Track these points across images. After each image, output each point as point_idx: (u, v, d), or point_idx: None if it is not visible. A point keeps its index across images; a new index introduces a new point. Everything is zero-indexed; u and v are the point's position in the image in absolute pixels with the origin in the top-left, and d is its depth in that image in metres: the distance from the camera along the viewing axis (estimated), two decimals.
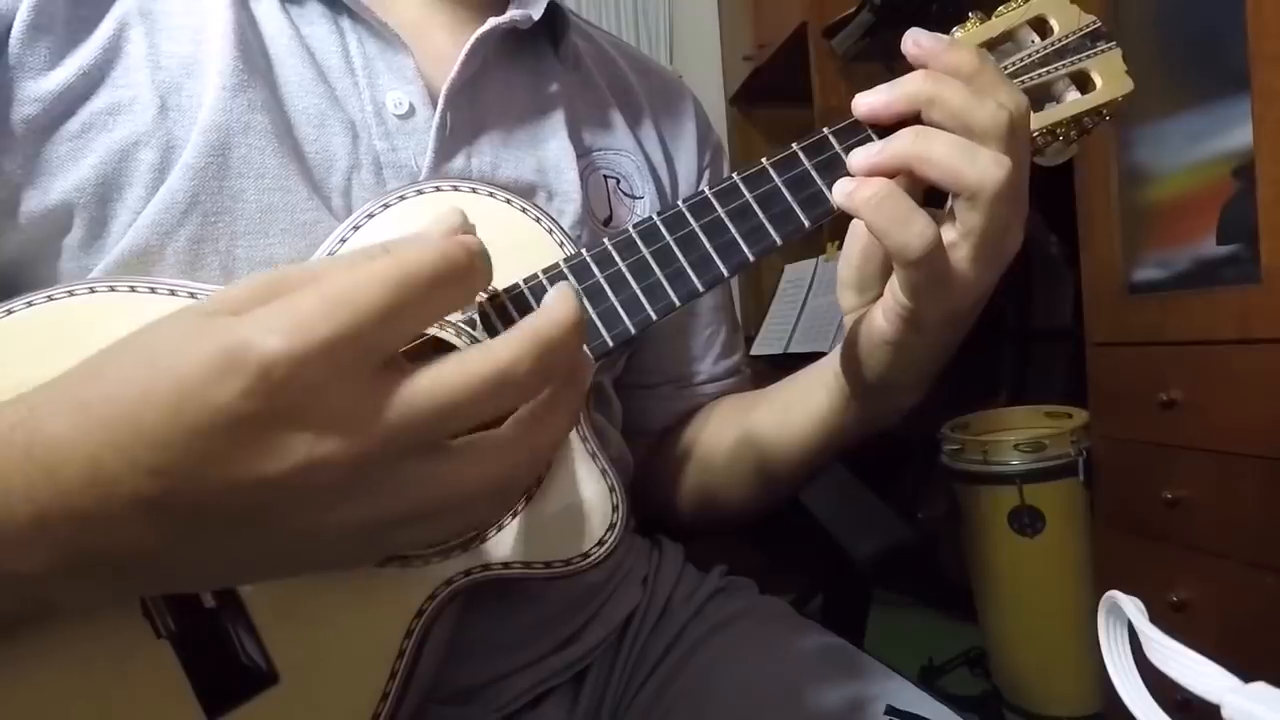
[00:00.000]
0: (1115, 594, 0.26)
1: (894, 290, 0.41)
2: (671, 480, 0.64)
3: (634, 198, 0.59)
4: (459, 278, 0.27)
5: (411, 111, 0.49)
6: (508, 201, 0.44)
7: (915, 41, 0.39)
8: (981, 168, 0.37)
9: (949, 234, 0.39)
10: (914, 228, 0.37)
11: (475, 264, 0.28)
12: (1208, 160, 1.17)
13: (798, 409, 0.55)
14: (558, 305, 0.29)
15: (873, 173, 0.39)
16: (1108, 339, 1.29)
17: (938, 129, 0.38)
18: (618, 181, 0.58)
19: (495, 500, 0.31)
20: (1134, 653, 0.26)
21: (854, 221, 0.42)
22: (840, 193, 0.39)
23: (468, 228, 0.31)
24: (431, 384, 0.26)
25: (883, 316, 0.43)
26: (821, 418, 0.53)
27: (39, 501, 0.26)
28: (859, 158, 0.40)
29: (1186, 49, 1.22)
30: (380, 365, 0.26)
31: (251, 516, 0.26)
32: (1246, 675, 0.23)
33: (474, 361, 0.27)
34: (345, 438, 0.25)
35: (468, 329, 0.41)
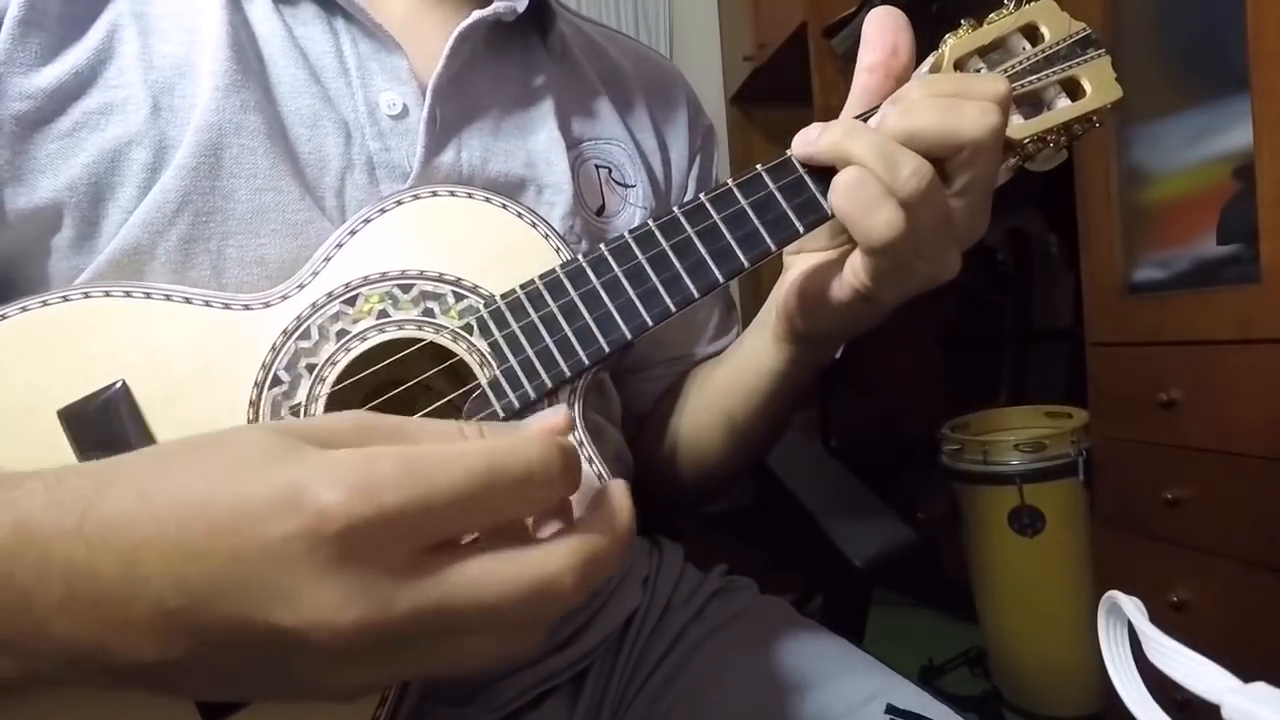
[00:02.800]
0: (1115, 594, 0.26)
1: (855, 269, 0.42)
2: (663, 447, 0.64)
3: (626, 186, 0.59)
4: (548, 483, 0.27)
5: (405, 112, 0.49)
6: (504, 207, 0.44)
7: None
8: (969, 116, 0.38)
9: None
10: (880, 216, 0.38)
11: (568, 473, 0.28)
12: (1208, 160, 1.17)
13: (742, 354, 0.57)
14: (615, 517, 0.29)
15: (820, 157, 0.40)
16: (1107, 339, 1.29)
17: (922, 99, 0.39)
18: (609, 171, 0.58)
19: (513, 661, 0.31)
20: (1134, 653, 0.26)
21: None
22: (800, 148, 0.41)
23: (569, 428, 0.31)
24: (477, 579, 0.26)
25: (838, 288, 0.43)
26: (758, 360, 0.54)
27: (72, 581, 0.26)
28: (819, 144, 0.41)
29: (1186, 49, 1.22)
30: (435, 544, 0.26)
31: (255, 657, 0.26)
32: (1246, 675, 0.23)
33: (525, 570, 0.26)
34: (373, 610, 0.25)
35: (465, 335, 0.41)
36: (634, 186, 0.59)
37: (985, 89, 0.39)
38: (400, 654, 0.27)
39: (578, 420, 0.43)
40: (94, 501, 0.26)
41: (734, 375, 0.57)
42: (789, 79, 2.18)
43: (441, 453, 0.25)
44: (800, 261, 0.48)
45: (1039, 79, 0.44)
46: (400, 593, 0.25)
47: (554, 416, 0.30)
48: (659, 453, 0.63)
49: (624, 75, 0.63)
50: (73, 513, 0.26)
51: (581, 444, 0.43)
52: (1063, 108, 0.45)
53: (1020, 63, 0.44)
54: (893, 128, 0.39)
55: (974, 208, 0.42)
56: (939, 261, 0.41)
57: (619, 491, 0.30)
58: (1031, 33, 0.45)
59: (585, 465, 0.43)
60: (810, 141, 0.41)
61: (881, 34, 0.42)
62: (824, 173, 0.42)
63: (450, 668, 0.28)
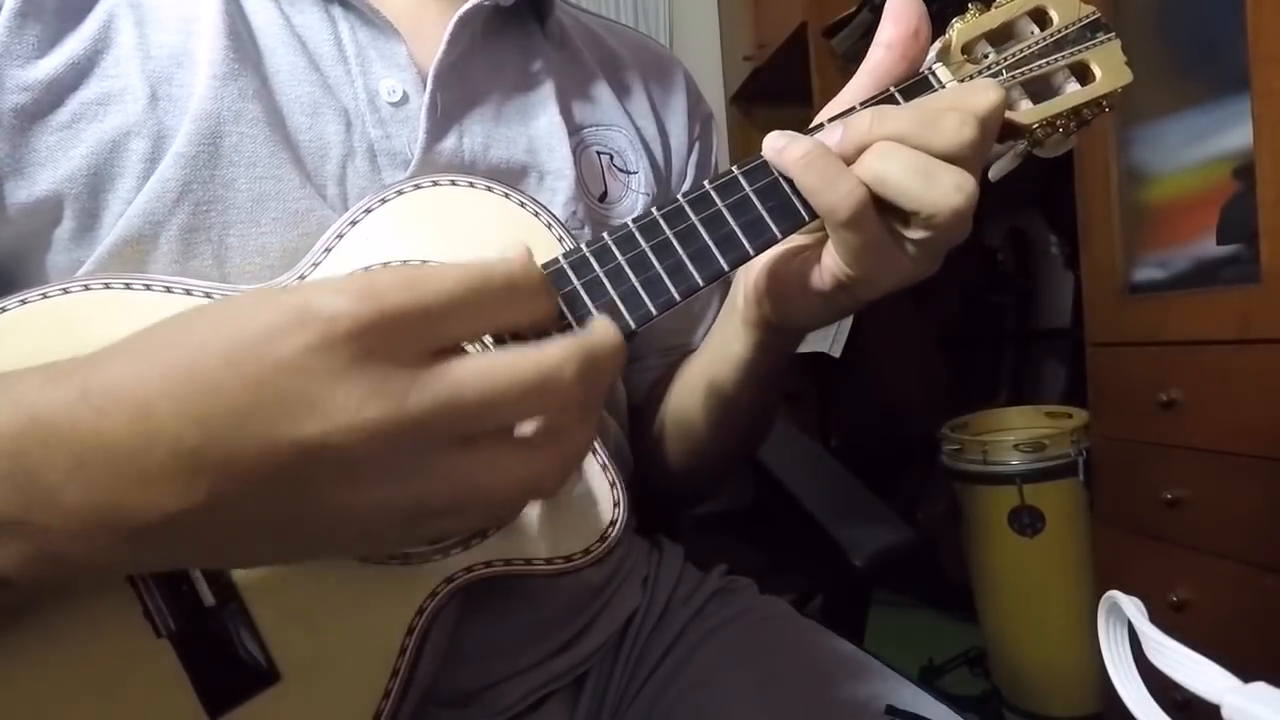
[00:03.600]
0: (1115, 594, 0.26)
1: (832, 255, 0.41)
2: (653, 438, 0.63)
3: (628, 173, 0.59)
4: (532, 292, 0.29)
5: (405, 99, 0.49)
6: (506, 196, 0.44)
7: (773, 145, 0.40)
8: (941, 190, 0.37)
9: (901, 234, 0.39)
10: (842, 188, 0.37)
11: (543, 286, 0.30)
12: (1208, 160, 1.17)
13: (714, 341, 0.56)
14: (603, 326, 0.30)
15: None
16: (1108, 339, 1.29)
17: (898, 148, 0.38)
18: (611, 157, 0.58)
19: (520, 503, 0.31)
20: (1134, 653, 0.26)
21: None
22: (770, 149, 0.40)
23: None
24: (483, 369, 0.27)
25: (818, 276, 0.43)
26: (727, 347, 0.53)
27: (82, 444, 0.26)
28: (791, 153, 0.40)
29: (1186, 49, 1.22)
30: (439, 349, 0.27)
31: (279, 485, 0.26)
32: (1246, 675, 0.23)
33: (525, 358, 0.28)
34: (389, 405, 0.25)
35: None
36: (635, 173, 0.59)
37: (967, 101, 0.38)
38: (422, 463, 0.27)
39: None
40: (92, 373, 0.27)
41: (707, 364, 0.56)
42: (789, 79, 2.18)
43: (431, 267, 0.27)
44: (774, 255, 0.47)
45: (1048, 63, 0.44)
46: (414, 386, 0.26)
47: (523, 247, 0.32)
48: (650, 443, 0.63)
49: (623, 62, 0.63)
50: (72, 387, 0.26)
51: (594, 449, 0.43)
52: (1072, 92, 0.44)
53: (1029, 47, 0.44)
54: (865, 130, 0.38)
55: (968, 214, 0.40)
56: (924, 263, 0.41)
57: (605, 318, 0.32)
58: (1040, 16, 0.44)
59: (590, 456, 0.43)
60: (779, 149, 0.40)
61: (906, 13, 0.41)
62: None
63: (466, 500, 0.28)
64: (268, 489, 0.26)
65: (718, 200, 0.41)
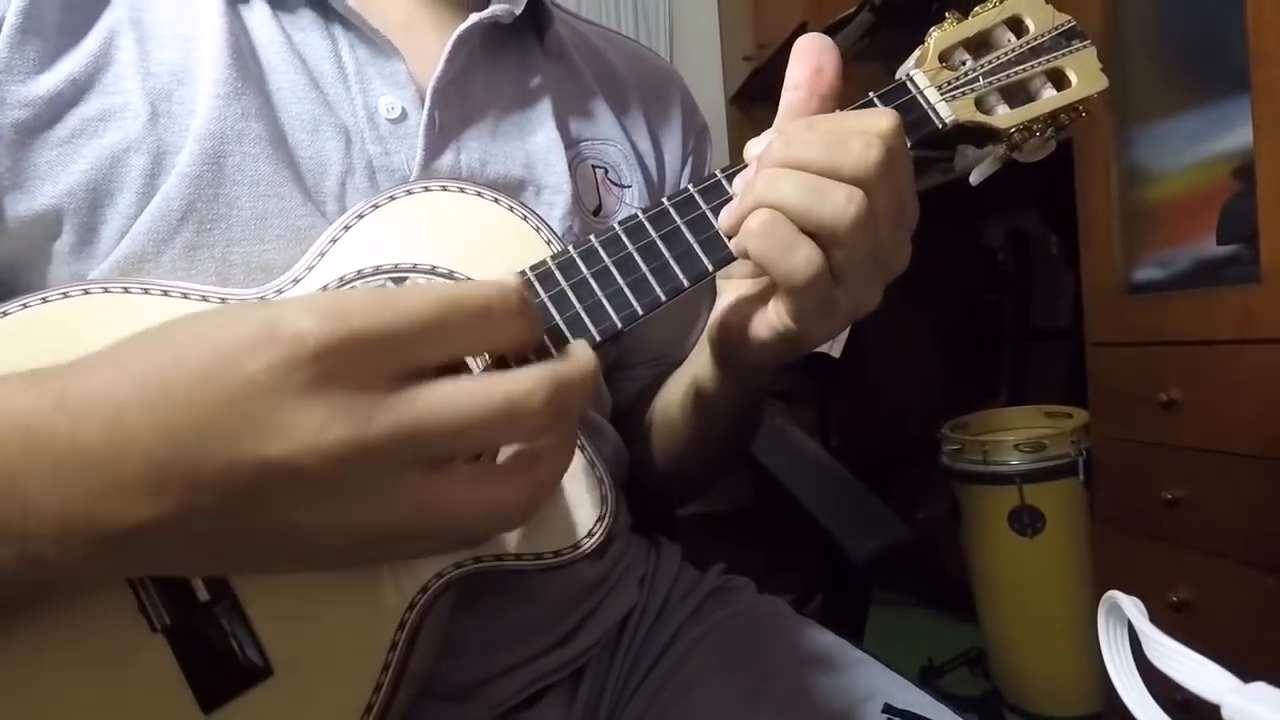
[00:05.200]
0: (1115, 594, 0.26)
1: (778, 310, 0.41)
2: (638, 446, 0.64)
3: (622, 187, 0.59)
4: (508, 316, 0.29)
5: (404, 116, 0.49)
6: (495, 200, 0.45)
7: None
8: (833, 205, 0.37)
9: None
10: (799, 254, 0.37)
11: (525, 311, 0.29)
12: (1208, 160, 1.17)
13: (689, 366, 0.57)
14: (577, 351, 0.30)
15: (739, 224, 0.39)
16: (1108, 339, 1.29)
17: (788, 169, 0.38)
18: (606, 171, 0.59)
19: (487, 529, 0.31)
20: (1134, 653, 0.26)
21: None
22: (725, 222, 0.40)
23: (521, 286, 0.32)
24: (448, 397, 0.27)
25: (761, 325, 0.43)
26: (699, 373, 0.54)
27: (58, 456, 0.26)
28: (724, 220, 0.41)
29: (1186, 49, 1.22)
30: (407, 372, 0.27)
31: (243, 501, 0.26)
32: (1246, 675, 0.23)
33: (493, 385, 0.27)
34: (351, 429, 0.25)
35: None
36: (630, 187, 0.59)
37: (870, 123, 0.38)
38: (385, 487, 0.27)
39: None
40: (70, 381, 0.27)
41: (687, 384, 0.57)
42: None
43: (407, 288, 0.28)
44: (729, 289, 0.48)
45: (1024, 69, 0.45)
46: (378, 410, 0.26)
47: (514, 276, 0.32)
48: (636, 449, 0.63)
49: (620, 77, 0.63)
50: (51, 393, 0.27)
51: (582, 446, 0.43)
52: (1048, 98, 0.45)
53: (1005, 54, 0.45)
54: (776, 157, 0.38)
55: (894, 239, 0.40)
56: (863, 296, 0.41)
57: (578, 344, 0.32)
58: (1016, 25, 0.46)
59: (578, 452, 0.43)
60: (730, 212, 0.40)
61: (807, 54, 0.42)
62: None
63: (431, 524, 0.28)
64: (232, 504, 0.26)
65: (702, 204, 0.42)
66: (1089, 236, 1.31)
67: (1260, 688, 0.22)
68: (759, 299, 0.44)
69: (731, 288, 0.47)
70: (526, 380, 0.28)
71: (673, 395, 0.59)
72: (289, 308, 0.26)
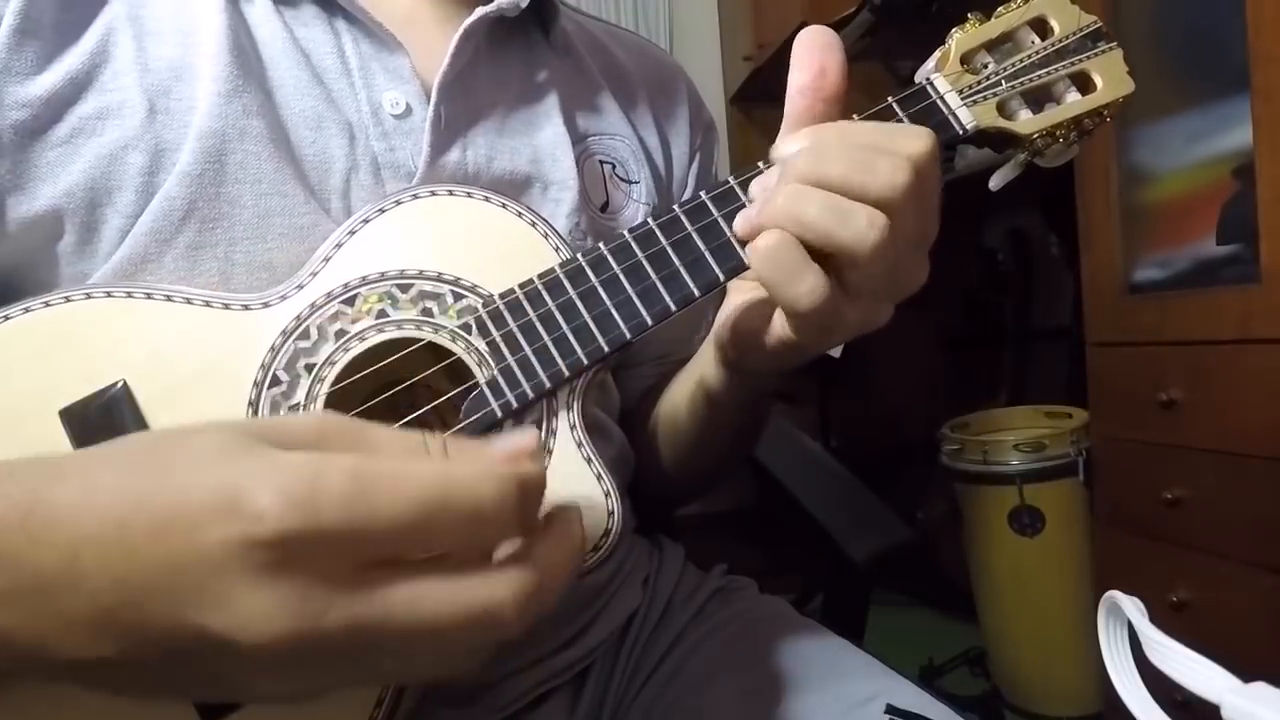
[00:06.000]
0: (1115, 594, 0.27)
1: (782, 323, 0.41)
2: (642, 445, 0.63)
3: (629, 182, 0.59)
4: (498, 523, 0.26)
5: (409, 111, 0.49)
6: (503, 206, 0.44)
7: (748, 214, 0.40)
8: (855, 229, 0.36)
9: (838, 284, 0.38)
10: (804, 284, 0.37)
11: (523, 513, 0.27)
12: (1208, 160, 1.17)
13: (693, 367, 0.57)
14: (565, 540, 0.28)
15: (755, 235, 0.39)
16: (1108, 339, 1.29)
17: (813, 187, 0.37)
18: (613, 167, 0.58)
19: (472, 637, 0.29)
20: (1134, 653, 0.26)
21: None
22: (742, 227, 0.40)
23: (536, 454, 0.29)
24: (415, 598, 0.25)
25: (767, 333, 0.43)
26: (703, 375, 0.54)
27: (12, 572, 0.25)
28: (740, 225, 0.40)
29: (1186, 49, 1.22)
30: (372, 564, 0.25)
31: (185, 659, 0.26)
32: (1246, 675, 0.23)
33: (466, 591, 0.26)
34: (300, 622, 0.24)
35: (463, 334, 0.41)
36: (637, 183, 0.59)
37: (902, 145, 0.37)
38: (336, 663, 0.26)
39: (577, 420, 0.43)
40: (41, 496, 0.26)
41: (692, 386, 0.57)
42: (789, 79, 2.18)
43: (393, 474, 0.25)
44: (739, 289, 0.48)
45: (1048, 73, 0.44)
46: (334, 606, 0.24)
47: (522, 439, 0.28)
48: (640, 447, 0.63)
49: (626, 71, 0.63)
50: (19, 506, 0.26)
51: (580, 444, 0.43)
52: (1072, 102, 0.44)
53: (1029, 56, 0.44)
54: (802, 172, 0.38)
55: (913, 260, 0.40)
56: (873, 313, 0.40)
57: (573, 520, 0.29)
58: (1040, 26, 0.44)
59: (584, 466, 0.43)
60: (747, 219, 0.40)
61: (809, 54, 0.41)
62: None
63: (387, 680, 0.28)
64: (175, 658, 0.26)
65: (714, 210, 0.42)
66: (1089, 236, 1.31)
67: (1260, 688, 0.22)
68: (767, 304, 0.43)
69: (742, 289, 0.47)
70: (500, 589, 0.26)
71: (678, 395, 0.59)
72: (259, 477, 0.24)
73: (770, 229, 0.38)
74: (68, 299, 0.39)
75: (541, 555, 0.28)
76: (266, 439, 0.26)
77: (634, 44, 0.67)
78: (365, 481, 0.24)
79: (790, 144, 0.40)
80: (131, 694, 0.30)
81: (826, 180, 0.37)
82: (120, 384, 0.38)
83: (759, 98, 2.54)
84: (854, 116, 0.42)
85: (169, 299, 0.40)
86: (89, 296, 0.39)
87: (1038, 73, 0.44)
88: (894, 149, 0.37)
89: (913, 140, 0.38)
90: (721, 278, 0.41)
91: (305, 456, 0.25)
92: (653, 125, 0.63)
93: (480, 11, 0.51)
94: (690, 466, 0.62)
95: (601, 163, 0.58)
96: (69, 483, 0.26)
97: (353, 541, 0.24)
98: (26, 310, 0.38)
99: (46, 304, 0.38)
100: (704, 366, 0.53)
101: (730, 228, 0.41)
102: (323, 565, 0.24)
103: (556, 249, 0.43)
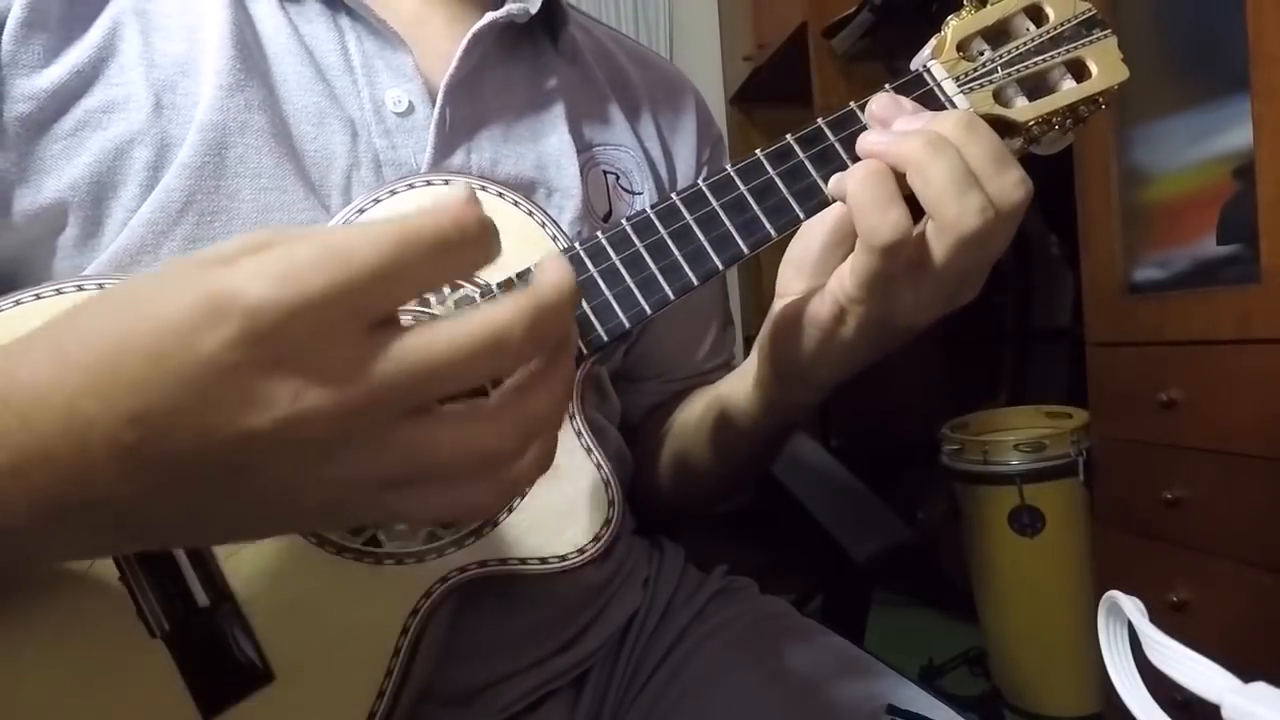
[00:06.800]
0: (1115, 594, 0.26)
1: (842, 277, 0.41)
2: (647, 463, 0.64)
3: (633, 193, 0.59)
4: (464, 244, 0.26)
5: (411, 109, 0.49)
6: (500, 195, 0.44)
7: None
8: (964, 207, 0.37)
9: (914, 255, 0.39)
10: (891, 214, 0.37)
11: (483, 234, 0.26)
12: (1208, 160, 1.17)
13: (721, 394, 0.57)
14: (551, 271, 0.27)
15: (873, 155, 0.40)
16: (1108, 339, 1.29)
17: (954, 148, 0.38)
18: (617, 177, 0.58)
19: (483, 475, 0.29)
20: (1134, 653, 0.26)
21: (832, 205, 0.43)
22: (865, 144, 0.40)
23: (478, 201, 0.29)
24: (425, 342, 0.25)
25: (820, 301, 0.43)
26: (734, 404, 0.54)
27: (15, 449, 0.25)
28: (870, 139, 0.40)
29: (1186, 48, 1.22)
30: (373, 322, 0.25)
31: (229, 472, 0.25)
32: (1246, 675, 0.23)
33: (468, 322, 0.26)
34: (331, 390, 0.24)
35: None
36: (641, 194, 0.59)
37: (1022, 173, 0.39)
38: (372, 440, 0.26)
39: (576, 410, 0.43)
40: (12, 373, 0.26)
41: (717, 414, 0.57)
42: (789, 79, 2.18)
43: (354, 232, 0.25)
44: (786, 296, 0.48)
45: (1044, 60, 0.44)
46: (352, 369, 0.25)
47: (463, 189, 0.28)
48: (642, 465, 0.63)
49: (632, 82, 0.63)
50: None
51: (580, 434, 0.43)
52: (1068, 89, 0.44)
53: (1024, 44, 0.44)
54: (949, 132, 0.38)
55: (980, 273, 0.42)
56: (924, 310, 0.41)
57: (550, 257, 0.29)
58: (1036, 13, 0.44)
59: (584, 455, 0.43)
60: (870, 142, 0.40)
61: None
62: (824, 159, 0.42)
63: (422, 472, 0.27)
64: (211, 476, 0.26)
65: (712, 199, 0.41)
66: (1089, 236, 1.31)
67: (1260, 688, 0.22)
68: (812, 298, 0.44)
69: (790, 293, 0.47)
70: (504, 311, 0.26)
71: (694, 419, 0.60)
72: (233, 274, 0.24)
73: (870, 161, 0.39)
74: (59, 291, 0.38)
75: (532, 286, 0.27)
76: (213, 260, 0.25)
77: (641, 55, 0.67)
78: (329, 242, 0.24)
79: (915, 120, 0.41)
80: (159, 537, 0.30)
81: (967, 154, 0.38)
82: None
83: (759, 98, 2.54)
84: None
85: None
86: (80, 288, 0.39)
87: (1033, 60, 0.44)
88: (1020, 170, 0.39)
89: (1026, 176, 0.39)
90: (696, 280, 0.41)
91: (261, 251, 0.25)
92: (658, 137, 0.63)
93: (490, 17, 0.51)
94: (696, 489, 0.62)
95: (606, 173, 0.58)
96: (37, 353, 0.26)
97: (345, 297, 0.24)
98: (17, 303, 0.38)
99: (38, 296, 0.38)
100: (733, 390, 0.53)
101: (728, 218, 0.41)
102: (330, 335, 0.24)
103: (554, 238, 0.44)
